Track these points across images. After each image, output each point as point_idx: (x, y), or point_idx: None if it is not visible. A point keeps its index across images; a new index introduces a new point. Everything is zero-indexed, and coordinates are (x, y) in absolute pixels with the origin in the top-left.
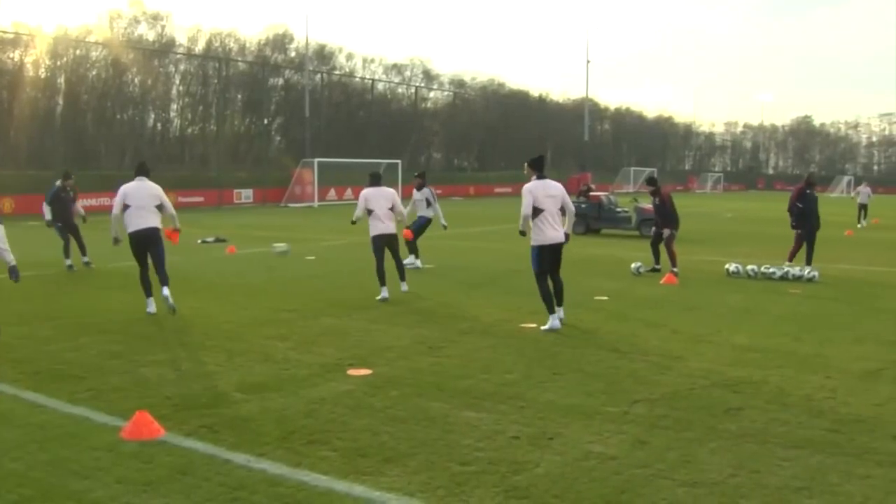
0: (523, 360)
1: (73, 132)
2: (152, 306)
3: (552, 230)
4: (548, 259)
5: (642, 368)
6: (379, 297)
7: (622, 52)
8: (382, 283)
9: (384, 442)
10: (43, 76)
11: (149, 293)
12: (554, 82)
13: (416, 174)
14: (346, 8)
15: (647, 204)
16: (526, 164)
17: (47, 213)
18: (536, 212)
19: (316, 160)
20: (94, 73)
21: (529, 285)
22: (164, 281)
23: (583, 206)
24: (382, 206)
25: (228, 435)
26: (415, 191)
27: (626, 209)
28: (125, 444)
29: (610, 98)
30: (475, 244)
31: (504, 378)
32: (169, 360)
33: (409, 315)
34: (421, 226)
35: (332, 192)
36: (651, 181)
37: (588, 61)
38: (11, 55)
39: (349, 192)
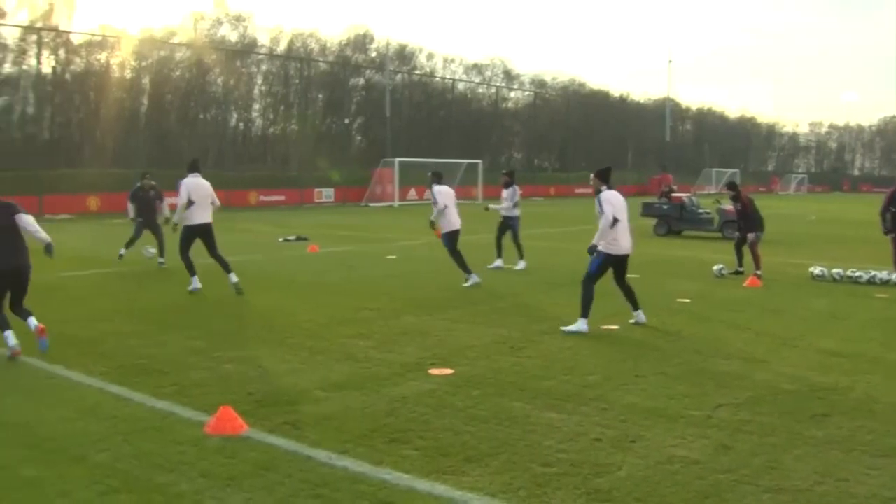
0: (604, 361)
1: (156, 132)
2: (197, 284)
3: (626, 240)
4: (616, 268)
5: (726, 372)
6: (469, 283)
7: (704, 50)
8: (469, 270)
9: (466, 441)
10: (128, 77)
11: (194, 272)
12: (635, 82)
13: (503, 172)
14: (426, 8)
15: (730, 205)
16: (593, 176)
17: (131, 210)
18: (615, 221)
19: (396, 160)
20: (177, 73)
21: (610, 286)
22: (227, 268)
23: (665, 207)
24: (453, 202)
25: (311, 432)
26: (504, 189)
27: (708, 210)
28: (209, 439)
29: (691, 98)
30: (556, 244)
31: (586, 379)
32: (251, 357)
33: (489, 315)
34: (513, 227)
35: (412, 192)
36: (731, 186)
37: (670, 61)
38: (98, 57)
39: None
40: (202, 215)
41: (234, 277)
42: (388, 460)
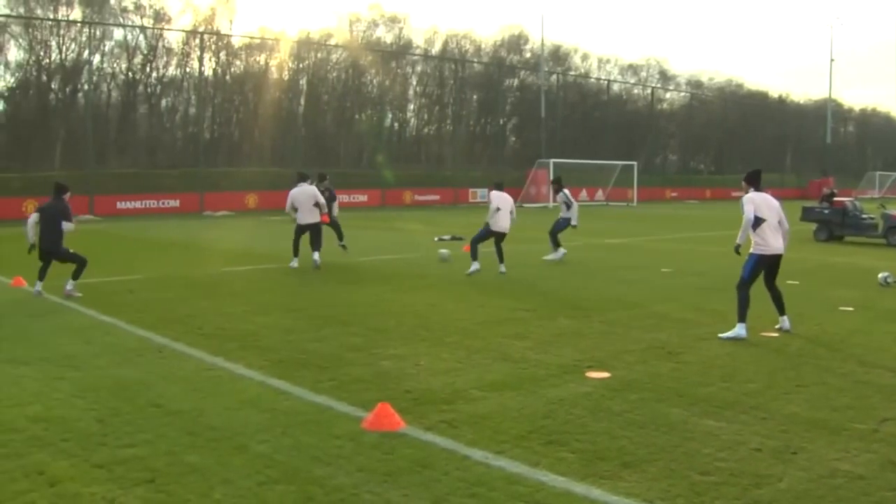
0: (765, 369)
1: (313, 132)
2: (296, 262)
3: (774, 240)
4: (768, 269)
5: (891, 385)
6: (470, 271)
7: (867, 46)
8: (476, 257)
9: (623, 446)
10: (286, 78)
11: (296, 254)
12: (794, 82)
13: (552, 180)
14: (581, 7)
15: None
16: (743, 181)
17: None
18: (758, 221)
19: (551, 161)
20: (334, 74)
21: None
22: (316, 248)
23: (826, 211)
24: (507, 206)
25: (467, 431)
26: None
27: (872, 215)
28: (366, 435)
29: (854, 98)
30: (712, 248)
31: (745, 387)
32: (408, 355)
33: (646, 318)
34: (561, 226)
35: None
36: None
37: (832, 59)
38: (258, 59)
39: (584, 193)
40: (306, 217)
41: (315, 256)
42: (545, 462)
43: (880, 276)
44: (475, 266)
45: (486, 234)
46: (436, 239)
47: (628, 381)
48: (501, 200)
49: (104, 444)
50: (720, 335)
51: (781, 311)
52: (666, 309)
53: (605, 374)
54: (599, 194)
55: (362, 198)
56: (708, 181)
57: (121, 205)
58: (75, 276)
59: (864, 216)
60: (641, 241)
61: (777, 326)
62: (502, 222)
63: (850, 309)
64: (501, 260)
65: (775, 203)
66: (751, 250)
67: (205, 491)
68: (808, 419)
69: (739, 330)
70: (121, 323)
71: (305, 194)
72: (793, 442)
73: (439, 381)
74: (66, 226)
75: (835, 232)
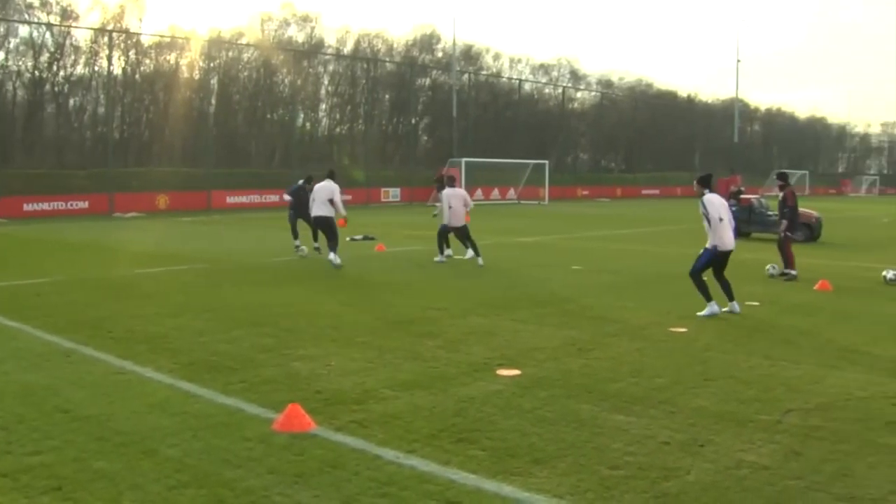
0: (673, 364)
1: (224, 131)
2: (302, 250)
3: (728, 237)
4: (719, 262)
5: (795, 377)
6: (438, 259)
7: (773, 49)
8: (443, 251)
9: (533, 443)
10: (197, 77)
11: (296, 237)
12: (702, 82)
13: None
14: (492, 8)
15: (801, 208)
16: (696, 182)
17: (286, 196)
18: (719, 220)
19: (463, 160)
20: (245, 74)
21: (678, 288)
22: (333, 248)
23: (733, 209)
24: (460, 201)
25: (378, 431)
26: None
27: (776, 213)
28: (277, 436)
29: (760, 98)
30: (623, 246)
31: (654, 382)
32: (319, 356)
33: (557, 316)
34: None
35: (479, 193)
36: (782, 176)
37: (738, 60)
38: (168, 58)
39: (496, 192)
40: (318, 209)
41: (331, 256)
42: (456, 460)
43: (767, 267)
44: (441, 258)
45: (446, 230)
46: (348, 239)
47: (539, 378)
48: (453, 198)
49: (9, 452)
50: (698, 313)
51: (731, 297)
52: (576, 306)
53: (516, 372)
54: (511, 193)
55: (273, 198)
56: (619, 179)
57: (28, 206)
58: None
59: (769, 213)
60: (553, 239)
61: (726, 310)
62: (457, 219)
63: (756, 304)
64: (477, 252)
65: (725, 202)
66: (707, 245)
67: (114, 497)
68: (716, 412)
69: (712, 307)
70: (27, 327)
71: (325, 189)
72: (700, 435)
73: (350, 381)
74: None
75: (742, 229)
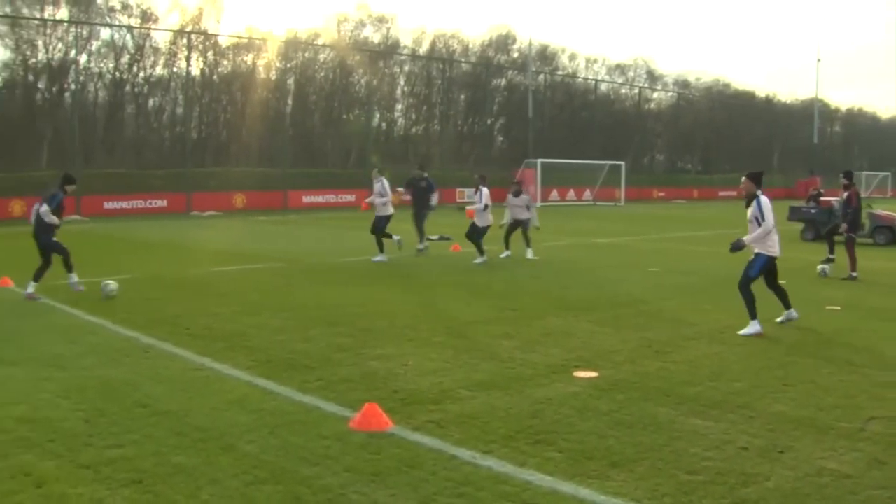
0: (752, 368)
1: (301, 131)
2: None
3: (778, 243)
4: (772, 270)
5: (879, 384)
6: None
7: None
8: (483, 252)
9: (610, 446)
10: (273, 78)
11: (386, 240)
12: (781, 82)
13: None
14: (569, 7)
15: (884, 210)
16: (745, 178)
17: (403, 192)
18: (773, 224)
19: (539, 160)
20: (321, 74)
21: (757, 291)
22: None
23: (813, 211)
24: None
25: (455, 431)
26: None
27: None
28: (354, 435)
29: (841, 98)
30: (699, 248)
31: (732, 386)
32: (396, 355)
33: (633, 318)
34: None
35: (554, 193)
36: (848, 175)
37: (818, 59)
38: (245, 58)
39: (572, 192)
40: (384, 209)
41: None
42: (532, 462)
43: (818, 268)
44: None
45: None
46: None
47: (616, 380)
48: (488, 197)
49: (91, 445)
50: (740, 332)
51: (787, 305)
52: (653, 308)
53: (593, 374)
54: (587, 194)
55: (350, 197)
56: (695, 181)
57: (108, 205)
58: (36, 278)
59: None
60: (629, 240)
61: (781, 319)
62: (484, 220)
63: (837, 308)
64: (481, 252)
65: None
66: (760, 251)
67: (192, 491)
68: (795, 418)
69: (755, 326)
70: (107, 323)
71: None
72: (780, 441)
73: (427, 381)
74: (41, 208)
75: (822, 232)
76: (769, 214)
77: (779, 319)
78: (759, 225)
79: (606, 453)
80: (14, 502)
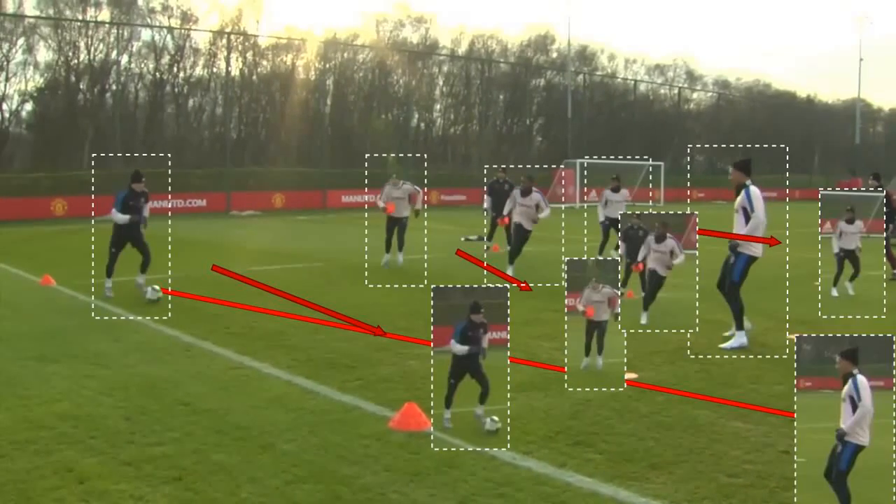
0: (792, 371)
1: (339, 132)
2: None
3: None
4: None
5: None
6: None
7: None
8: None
9: (650, 448)
10: (312, 78)
11: (388, 250)
12: (822, 82)
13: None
14: (608, 7)
15: None
16: (733, 168)
17: (486, 202)
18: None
19: (578, 161)
20: (360, 74)
21: (794, 293)
22: (400, 247)
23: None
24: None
25: None
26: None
27: None
28: (393, 434)
29: (883, 98)
30: None
31: (773, 389)
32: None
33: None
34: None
35: (593, 194)
36: (876, 176)
37: (861, 59)
38: (284, 59)
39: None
40: (399, 210)
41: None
42: (572, 463)
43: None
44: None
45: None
46: (463, 239)
47: (655, 382)
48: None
49: (132, 442)
50: (721, 346)
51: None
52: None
53: (633, 375)
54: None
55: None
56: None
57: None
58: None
59: None
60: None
61: (728, 333)
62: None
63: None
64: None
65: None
66: (741, 251)
67: (232, 489)
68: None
69: (741, 338)
70: (149, 321)
71: (401, 190)
72: None
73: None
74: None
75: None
76: (760, 206)
77: (726, 333)
78: (746, 217)
79: (646, 455)
80: (57, 498)
